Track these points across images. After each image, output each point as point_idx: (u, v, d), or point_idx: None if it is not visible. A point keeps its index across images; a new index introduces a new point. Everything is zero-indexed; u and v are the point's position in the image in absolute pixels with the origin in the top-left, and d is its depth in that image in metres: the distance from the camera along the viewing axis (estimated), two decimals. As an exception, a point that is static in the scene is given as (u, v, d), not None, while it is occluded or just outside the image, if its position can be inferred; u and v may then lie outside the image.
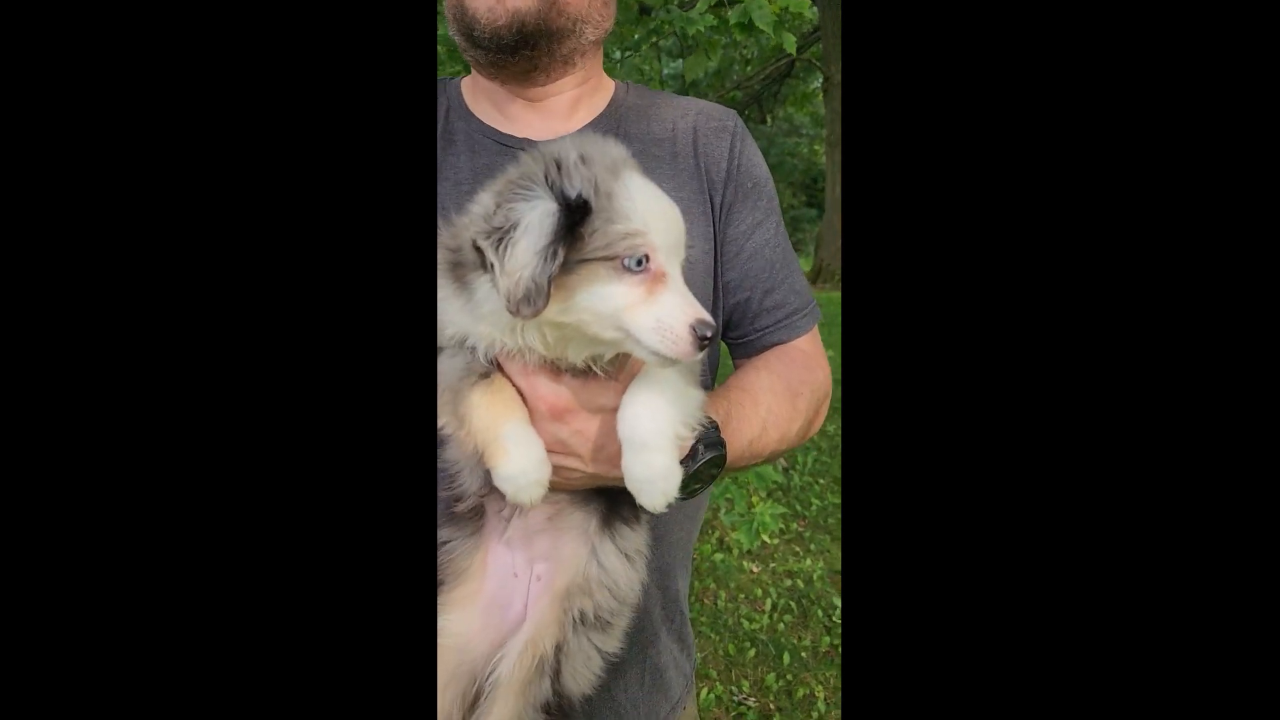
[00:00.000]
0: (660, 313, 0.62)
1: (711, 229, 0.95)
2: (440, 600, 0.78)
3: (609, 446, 0.69)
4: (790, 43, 2.61)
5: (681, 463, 0.73)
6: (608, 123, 0.96)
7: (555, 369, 0.69)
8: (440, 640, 0.76)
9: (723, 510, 2.96)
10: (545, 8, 0.85)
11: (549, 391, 0.69)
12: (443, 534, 0.80)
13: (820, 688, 2.66)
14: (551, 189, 0.63)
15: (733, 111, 1.03)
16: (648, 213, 0.64)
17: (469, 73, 1.02)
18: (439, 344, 0.71)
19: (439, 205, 0.86)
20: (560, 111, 0.96)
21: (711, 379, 1.00)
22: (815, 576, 3.40)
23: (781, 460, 4.27)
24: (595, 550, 0.75)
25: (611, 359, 0.70)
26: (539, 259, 0.60)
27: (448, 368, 0.70)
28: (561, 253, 0.61)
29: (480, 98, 0.97)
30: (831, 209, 11.98)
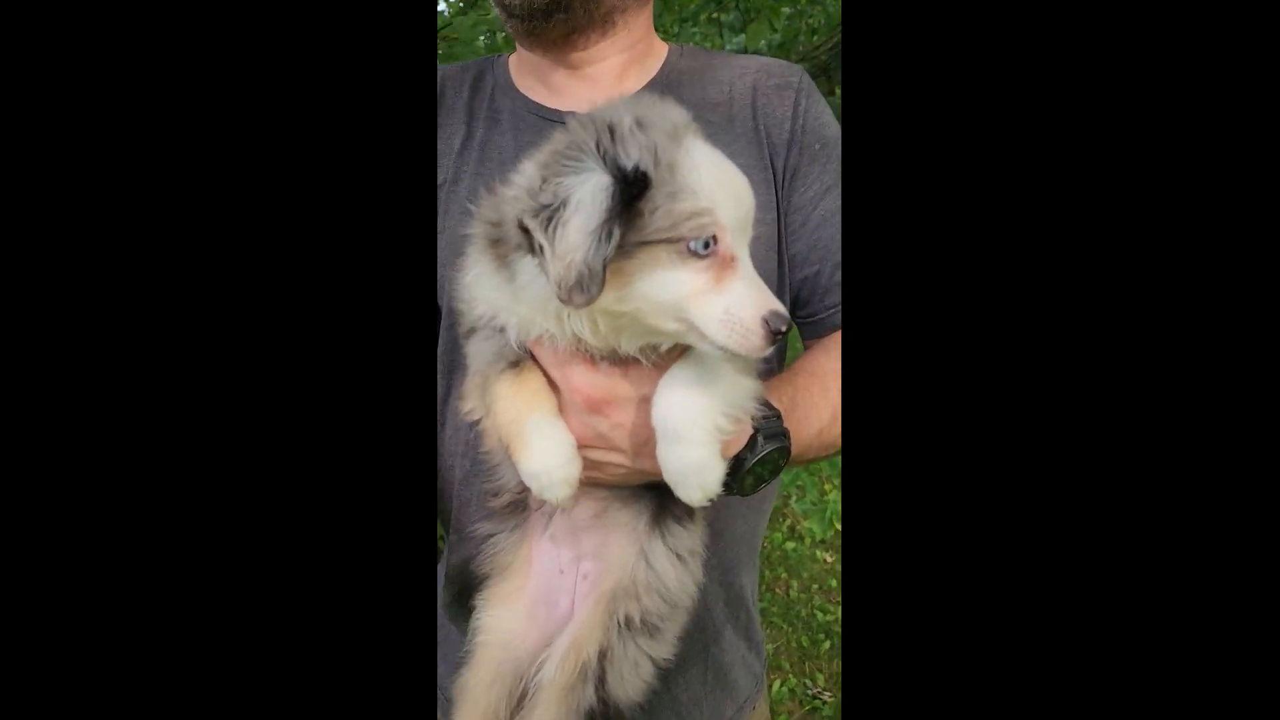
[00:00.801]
0: (729, 303, 0.56)
1: (774, 198, 0.88)
2: (484, 596, 0.75)
3: (653, 439, 0.64)
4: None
5: (739, 454, 0.67)
6: (659, 89, 0.90)
7: (590, 357, 0.63)
8: (484, 637, 0.73)
9: (794, 498, 2.88)
10: None
11: (585, 382, 0.64)
12: (485, 528, 0.78)
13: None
14: (605, 159, 0.55)
15: (798, 67, 0.94)
16: (715, 186, 0.57)
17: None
18: (469, 323, 0.67)
19: (485, 184, 0.83)
20: (607, 79, 0.90)
21: (779, 363, 0.93)
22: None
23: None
24: (644, 551, 0.70)
25: (668, 349, 0.64)
26: (592, 240, 0.53)
27: (478, 351, 0.67)
28: (618, 233, 0.54)
29: (525, 72, 0.94)
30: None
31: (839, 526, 2.61)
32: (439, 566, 1.00)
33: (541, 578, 0.74)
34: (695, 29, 4.39)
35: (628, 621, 0.69)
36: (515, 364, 0.65)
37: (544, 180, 0.57)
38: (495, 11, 0.90)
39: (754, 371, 0.69)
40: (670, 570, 0.70)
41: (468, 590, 0.84)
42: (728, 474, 0.64)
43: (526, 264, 0.59)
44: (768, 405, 0.70)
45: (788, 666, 2.65)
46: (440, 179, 0.88)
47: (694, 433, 0.60)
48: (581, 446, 0.66)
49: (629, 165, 0.55)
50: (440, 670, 0.94)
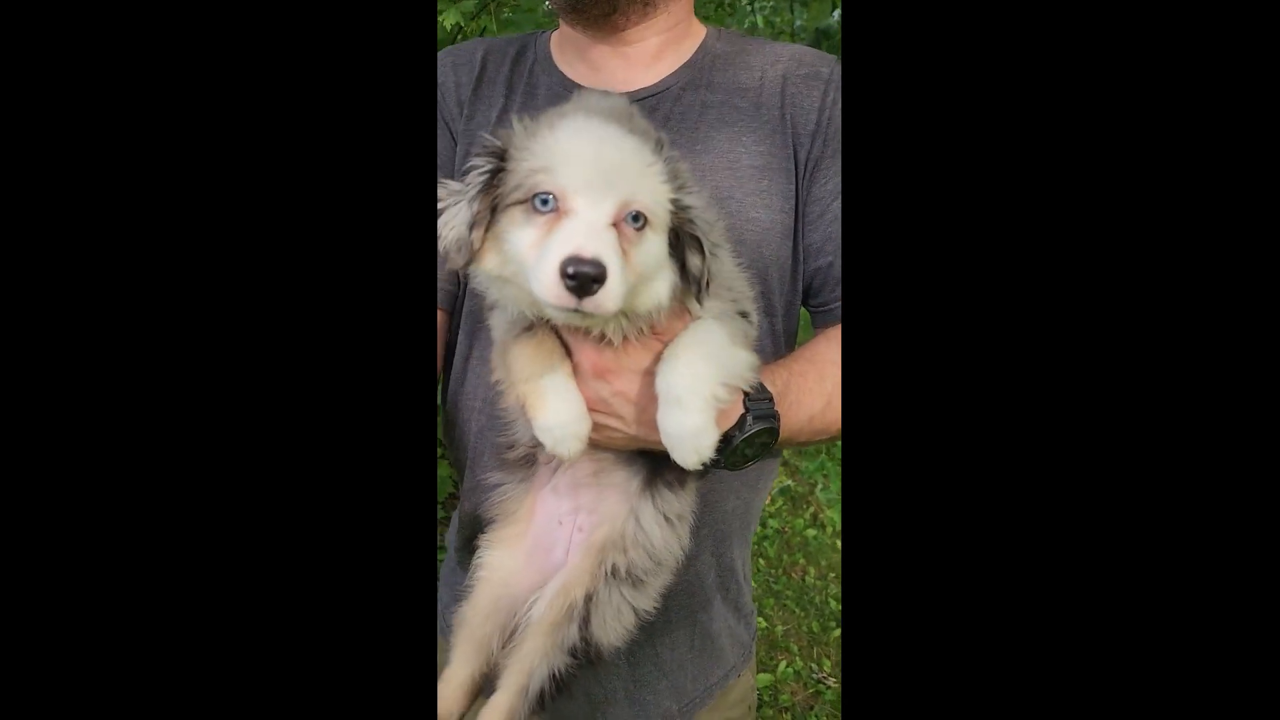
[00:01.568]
0: (554, 247, 0.56)
1: (793, 186, 0.90)
2: (487, 538, 0.82)
3: (650, 409, 0.69)
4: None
5: (728, 432, 0.71)
6: (692, 72, 0.93)
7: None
8: (485, 574, 0.81)
9: (819, 487, 2.89)
10: None
11: (592, 349, 0.69)
12: (495, 477, 0.84)
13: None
14: (490, 147, 0.64)
15: (831, 58, 0.95)
16: (562, 149, 0.59)
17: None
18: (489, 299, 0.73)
19: None
20: (643, 59, 0.93)
21: (786, 349, 0.96)
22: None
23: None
24: (635, 510, 0.76)
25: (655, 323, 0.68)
26: (461, 210, 0.62)
27: (497, 322, 0.72)
28: (478, 203, 0.61)
29: (567, 49, 0.97)
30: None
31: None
32: (454, 514, 1.08)
33: (541, 526, 0.81)
34: (766, 6, 4.31)
35: (614, 571, 0.75)
36: (529, 328, 0.70)
37: None
38: None
39: (751, 344, 0.73)
40: (657, 530, 0.76)
41: (477, 535, 0.91)
42: (718, 448, 0.69)
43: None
44: (761, 388, 0.74)
45: (796, 650, 2.69)
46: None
47: (693, 400, 0.64)
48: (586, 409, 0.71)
49: (496, 144, 0.64)
50: (444, 600, 1.02)
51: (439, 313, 0.94)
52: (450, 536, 1.08)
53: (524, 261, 0.61)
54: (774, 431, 0.74)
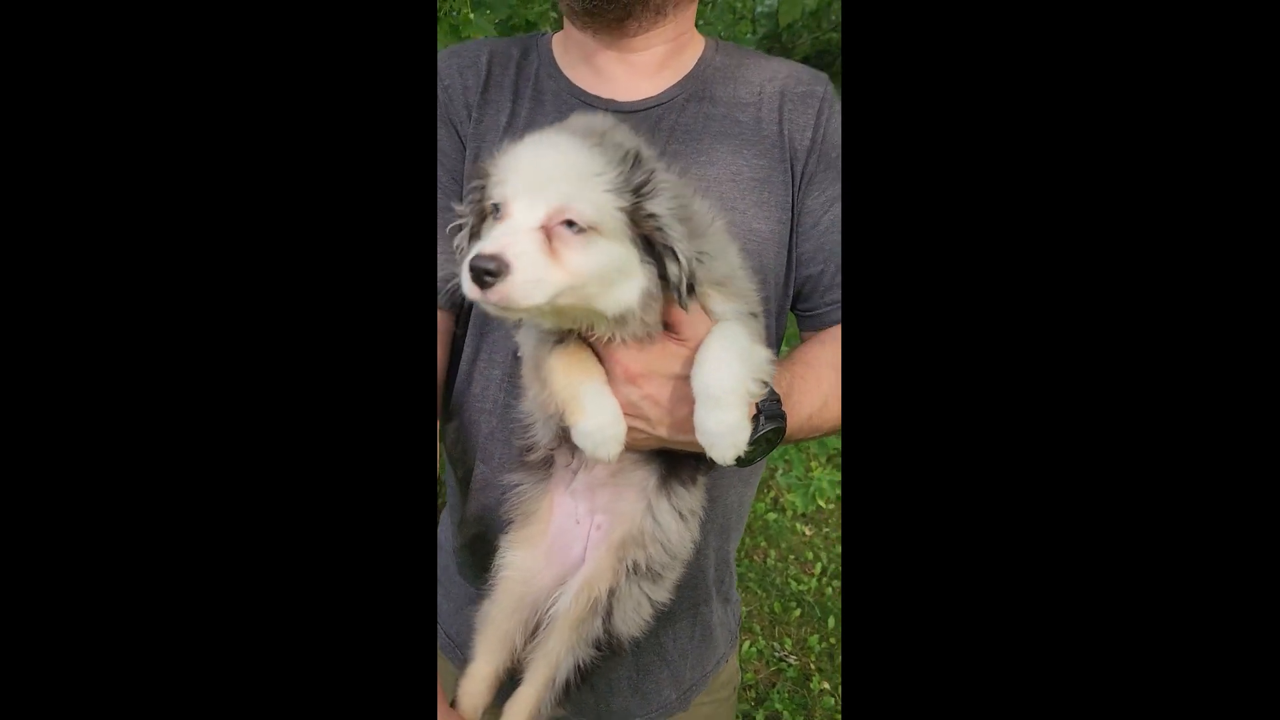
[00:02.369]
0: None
1: (789, 198, 0.95)
2: (509, 538, 0.85)
3: (676, 411, 0.73)
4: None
5: None
6: (694, 84, 0.96)
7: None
8: (508, 573, 0.84)
9: (780, 471, 2.99)
10: None
11: (624, 355, 0.73)
12: (514, 478, 0.87)
13: (862, 653, 2.71)
14: (479, 171, 0.71)
15: (824, 76, 1.00)
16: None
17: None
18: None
19: None
20: (648, 69, 0.96)
21: (776, 350, 1.01)
22: (868, 545, 3.41)
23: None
24: (651, 506, 0.80)
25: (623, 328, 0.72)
26: (466, 227, 0.70)
27: (525, 338, 0.76)
28: (475, 217, 0.69)
29: (571, 53, 0.98)
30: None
31: (821, 503, 2.73)
32: (447, 515, 1.09)
33: (560, 525, 0.84)
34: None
35: (634, 566, 0.79)
36: (560, 340, 0.73)
37: None
38: None
39: (765, 342, 0.78)
40: (673, 525, 0.80)
41: (483, 536, 0.94)
42: None
43: None
44: (771, 389, 0.79)
45: (758, 630, 2.81)
46: (487, 153, 0.91)
47: (731, 398, 0.69)
48: None
49: (486, 168, 0.70)
50: (442, 608, 1.04)
51: (444, 314, 0.96)
52: (443, 537, 1.10)
53: None
54: (782, 430, 0.80)
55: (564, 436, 0.82)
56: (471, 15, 1.91)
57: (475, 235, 0.70)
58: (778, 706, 2.45)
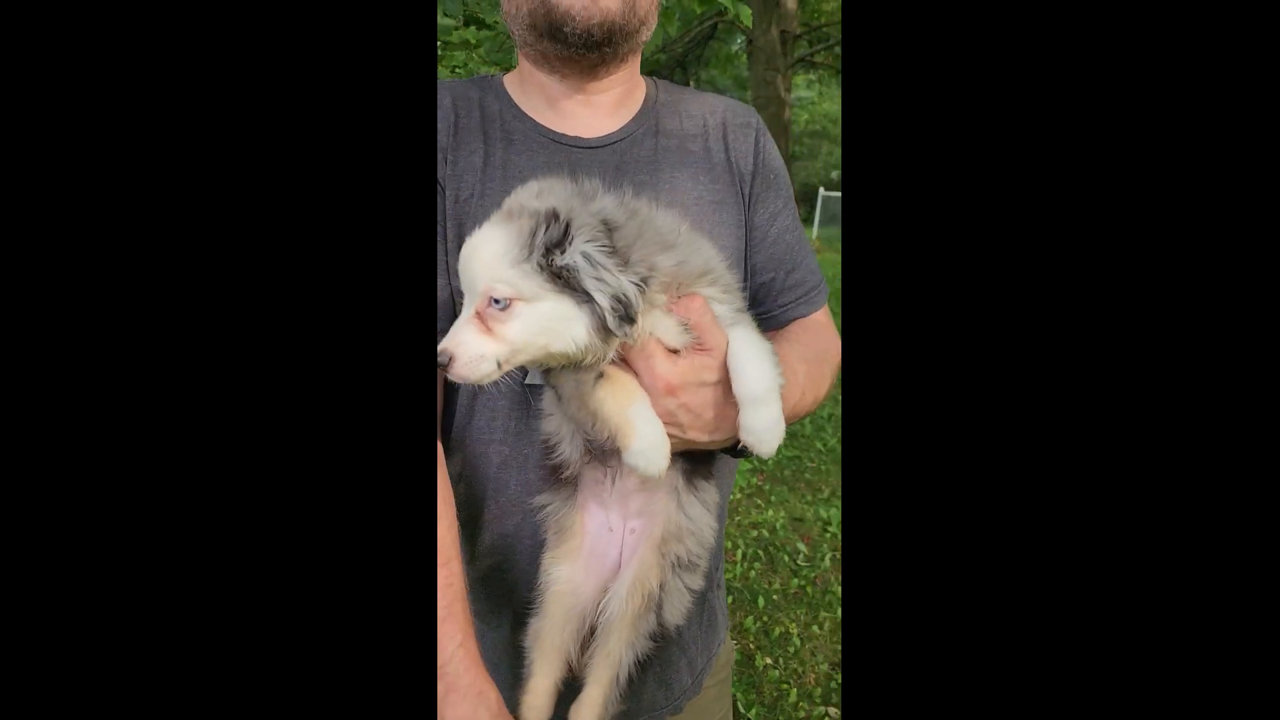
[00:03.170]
0: None
1: (742, 216, 1.07)
2: (550, 555, 0.89)
3: (705, 415, 0.81)
4: (746, 15, 2.72)
5: None
6: (647, 119, 1.06)
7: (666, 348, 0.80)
8: (555, 588, 0.88)
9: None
10: (627, 9, 0.93)
11: (665, 369, 0.80)
12: (541, 499, 0.91)
13: (794, 625, 2.91)
14: None
15: (752, 109, 1.15)
16: (459, 262, 0.79)
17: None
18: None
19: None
20: (607, 108, 1.04)
21: None
22: (778, 525, 3.66)
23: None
24: (681, 503, 0.88)
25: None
26: None
27: (565, 379, 0.83)
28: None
29: (531, 94, 1.03)
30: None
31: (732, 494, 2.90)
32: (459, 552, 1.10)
33: (594, 536, 0.89)
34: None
35: (677, 560, 0.86)
36: (600, 376, 0.80)
37: None
38: (518, 31, 0.98)
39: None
40: (703, 517, 0.89)
41: (500, 566, 0.97)
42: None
43: None
44: None
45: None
46: (467, 193, 0.97)
47: (771, 395, 0.79)
48: None
49: None
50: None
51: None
52: None
53: None
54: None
55: (592, 451, 0.87)
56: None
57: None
58: (731, 690, 2.58)
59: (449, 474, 1.03)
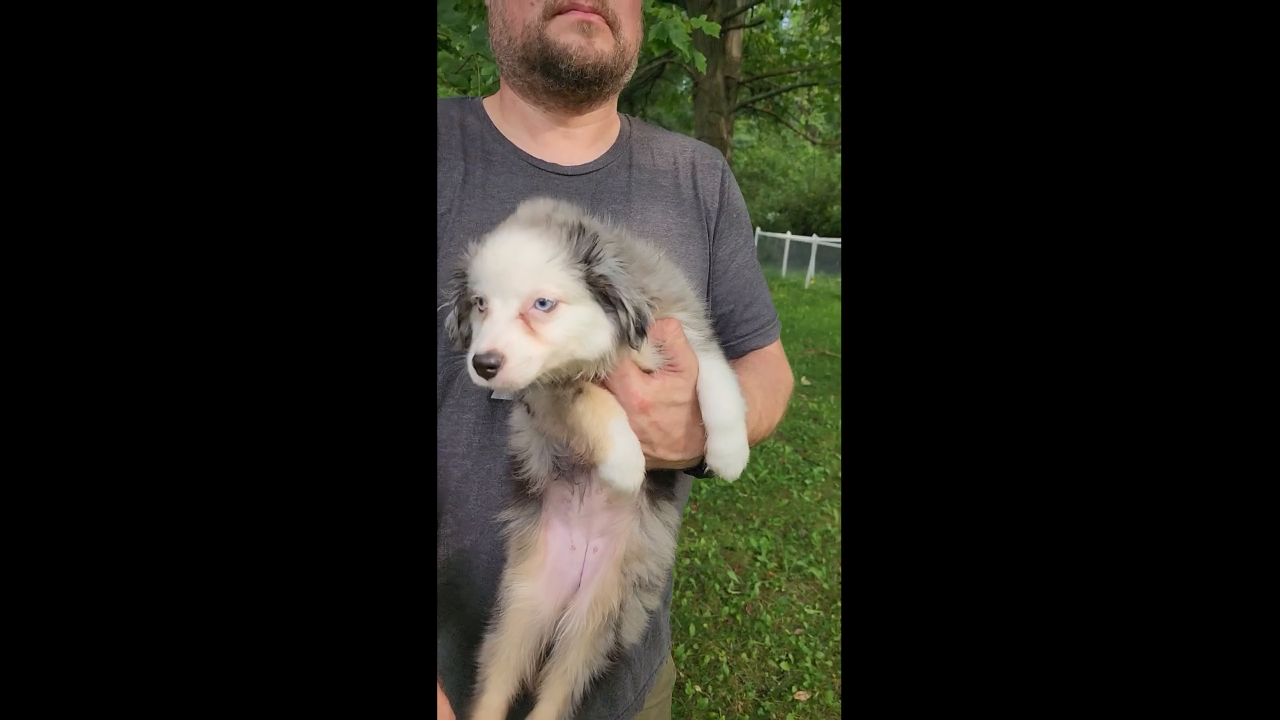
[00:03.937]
0: (473, 344, 0.75)
1: (707, 250, 1.13)
2: (512, 572, 0.90)
3: (675, 434, 0.84)
4: (701, 62, 2.84)
5: None
6: (621, 152, 1.11)
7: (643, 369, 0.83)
8: (515, 605, 0.88)
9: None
10: (617, 53, 0.99)
11: (639, 388, 0.83)
12: (505, 515, 0.92)
13: (723, 653, 2.94)
14: (458, 267, 0.83)
15: (718, 151, 1.22)
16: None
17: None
18: None
19: (488, 221, 0.97)
20: (585, 140, 1.09)
21: None
22: (710, 554, 3.70)
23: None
24: (645, 523, 0.91)
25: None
26: (452, 308, 0.82)
27: (537, 395, 0.84)
28: (459, 305, 0.81)
29: (513, 121, 1.07)
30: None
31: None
32: None
33: (556, 554, 0.91)
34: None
35: (638, 580, 0.89)
36: (580, 391, 0.82)
37: None
38: (507, 61, 1.02)
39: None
40: (663, 538, 0.91)
41: (454, 583, 0.97)
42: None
43: None
44: None
45: (627, 649, 2.92)
46: (444, 208, 0.98)
47: (738, 423, 0.83)
48: None
49: (463, 264, 0.82)
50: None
51: None
52: None
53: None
54: None
55: (560, 469, 0.89)
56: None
57: (463, 320, 0.81)
58: (670, 709, 2.58)
59: None
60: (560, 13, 0.96)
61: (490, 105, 1.10)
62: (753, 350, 1.19)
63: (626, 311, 0.78)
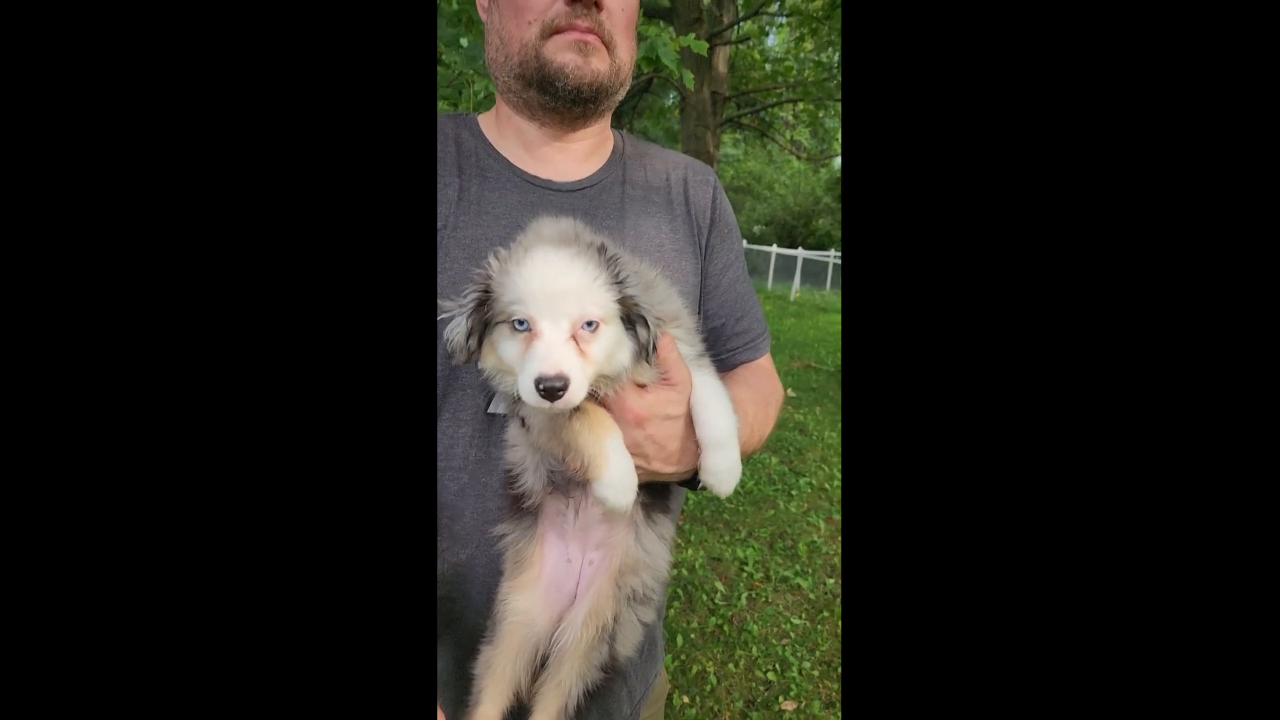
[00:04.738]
0: (529, 365, 0.76)
1: (699, 265, 1.15)
2: (508, 586, 0.91)
3: (669, 447, 0.86)
4: (689, 79, 2.89)
5: None
6: (615, 168, 1.13)
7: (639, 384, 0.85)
8: (511, 618, 0.89)
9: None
10: (613, 71, 1.01)
11: (634, 402, 0.84)
12: (501, 529, 0.93)
13: (710, 664, 2.95)
14: (480, 280, 0.82)
15: (710, 168, 1.24)
16: (528, 282, 0.79)
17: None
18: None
19: (483, 236, 0.98)
20: (579, 155, 1.11)
21: None
22: (697, 565, 3.71)
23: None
24: (640, 536, 0.92)
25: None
26: (462, 321, 0.81)
27: (528, 411, 0.85)
28: (474, 318, 0.81)
29: (507, 137, 1.08)
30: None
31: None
32: None
33: (552, 567, 0.92)
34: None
35: (632, 593, 0.90)
36: (576, 408, 0.82)
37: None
38: (503, 78, 1.03)
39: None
40: (658, 551, 0.93)
41: (450, 597, 0.97)
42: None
43: None
44: None
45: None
46: (439, 224, 0.99)
47: (731, 439, 0.85)
48: None
49: (483, 276, 0.82)
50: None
51: None
52: None
53: (513, 365, 0.79)
54: None
55: (556, 483, 0.90)
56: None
57: (471, 334, 0.81)
58: (647, 730, 2.58)
59: None
60: (558, 32, 0.98)
61: (485, 121, 1.11)
62: (743, 363, 1.21)
63: (648, 329, 0.80)
